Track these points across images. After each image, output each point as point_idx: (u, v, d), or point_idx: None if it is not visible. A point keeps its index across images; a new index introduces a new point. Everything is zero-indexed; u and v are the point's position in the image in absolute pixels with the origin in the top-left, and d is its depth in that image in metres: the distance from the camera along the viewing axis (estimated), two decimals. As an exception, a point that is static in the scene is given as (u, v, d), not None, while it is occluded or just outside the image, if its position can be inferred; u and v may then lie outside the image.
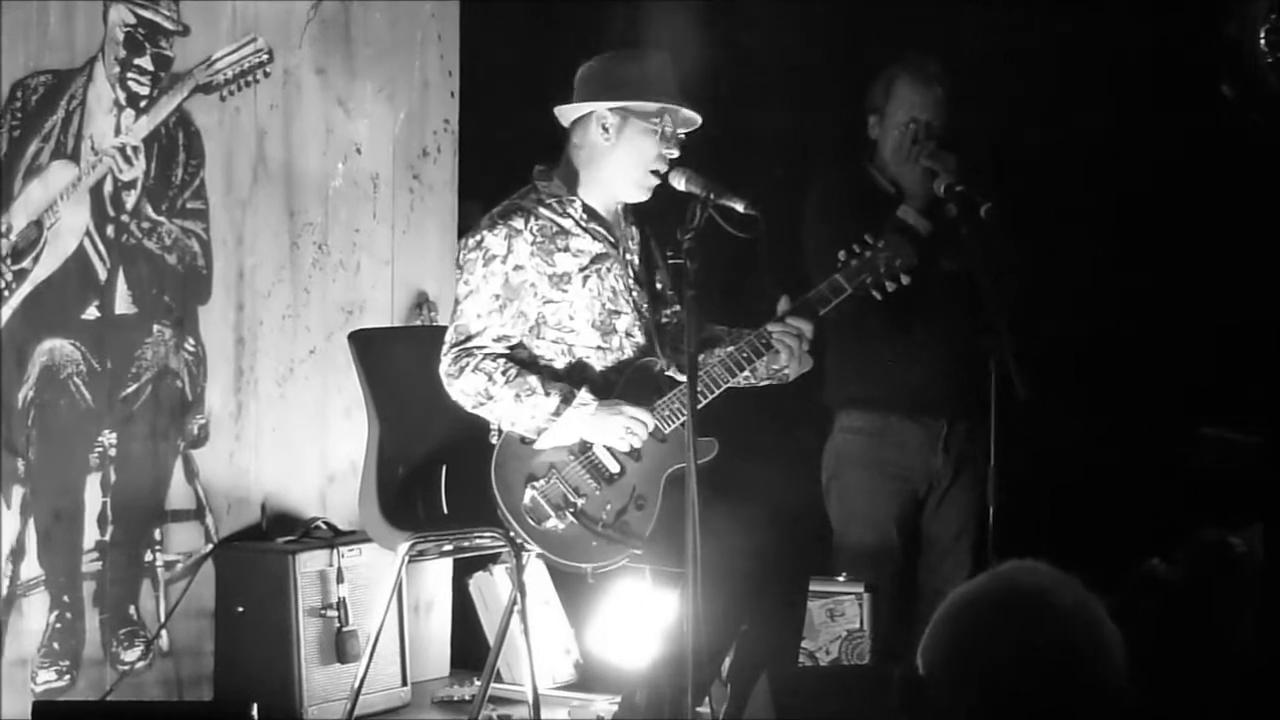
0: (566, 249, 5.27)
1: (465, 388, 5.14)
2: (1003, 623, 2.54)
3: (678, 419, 5.15)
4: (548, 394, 5.10)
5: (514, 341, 5.21)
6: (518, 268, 5.20)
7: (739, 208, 4.93)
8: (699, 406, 4.99)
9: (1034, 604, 2.55)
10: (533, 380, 5.12)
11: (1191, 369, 6.80)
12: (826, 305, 5.34)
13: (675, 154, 5.25)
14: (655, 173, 5.25)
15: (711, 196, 4.92)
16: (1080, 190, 6.96)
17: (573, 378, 5.20)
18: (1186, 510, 5.97)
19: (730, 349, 5.26)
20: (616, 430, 5.13)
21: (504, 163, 5.90)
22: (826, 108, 7.03)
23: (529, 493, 5.12)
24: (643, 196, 5.34)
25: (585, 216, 5.32)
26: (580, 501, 5.14)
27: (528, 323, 5.23)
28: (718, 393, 5.20)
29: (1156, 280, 6.91)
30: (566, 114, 5.37)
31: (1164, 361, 6.87)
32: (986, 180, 5.89)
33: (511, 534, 5.14)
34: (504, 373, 5.12)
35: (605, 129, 5.28)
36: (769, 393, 5.55)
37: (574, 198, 5.32)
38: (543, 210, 5.29)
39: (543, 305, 5.22)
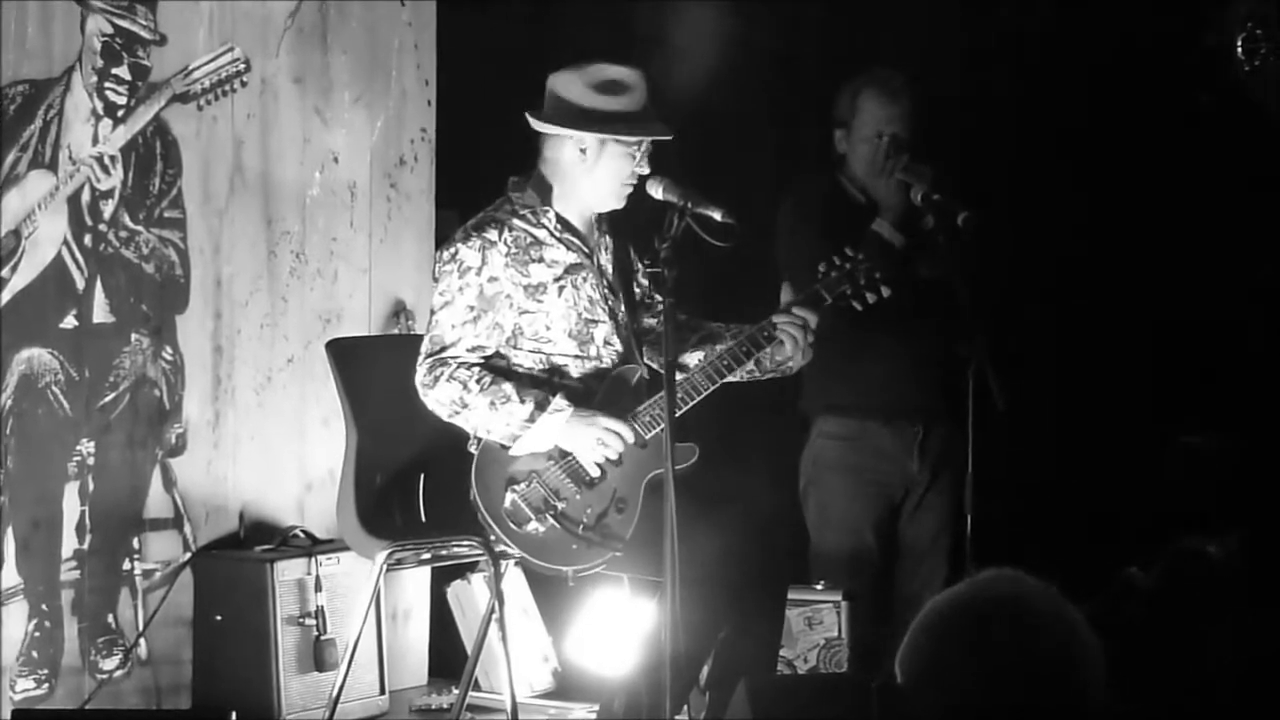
0: (541, 259, 5.27)
1: (440, 397, 5.15)
2: (981, 631, 2.54)
3: (658, 424, 5.14)
4: (522, 401, 5.10)
5: (489, 352, 5.22)
6: (492, 279, 5.21)
7: (716, 216, 4.92)
8: (682, 410, 5.01)
9: (1012, 612, 2.55)
10: (507, 388, 5.12)
11: (1171, 376, 6.81)
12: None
13: (646, 169, 5.24)
14: (628, 184, 5.27)
15: (689, 205, 4.91)
16: (1059, 195, 6.97)
17: (551, 387, 5.20)
18: (1165, 518, 5.99)
19: (728, 345, 5.27)
20: (590, 441, 5.13)
21: (481, 172, 5.89)
22: (806, 112, 7.04)
23: (509, 496, 5.13)
24: (617, 205, 5.35)
25: (559, 227, 5.32)
26: (561, 505, 5.14)
27: (504, 334, 5.23)
28: (699, 399, 5.21)
29: (1135, 286, 6.92)
30: (542, 128, 5.37)
31: (1143, 368, 6.89)
32: (962, 187, 5.90)
33: (491, 537, 5.15)
34: (478, 381, 5.13)
35: (583, 151, 5.27)
36: (748, 398, 5.56)
37: (548, 208, 5.32)
38: (517, 221, 5.29)
39: (519, 316, 5.23)
